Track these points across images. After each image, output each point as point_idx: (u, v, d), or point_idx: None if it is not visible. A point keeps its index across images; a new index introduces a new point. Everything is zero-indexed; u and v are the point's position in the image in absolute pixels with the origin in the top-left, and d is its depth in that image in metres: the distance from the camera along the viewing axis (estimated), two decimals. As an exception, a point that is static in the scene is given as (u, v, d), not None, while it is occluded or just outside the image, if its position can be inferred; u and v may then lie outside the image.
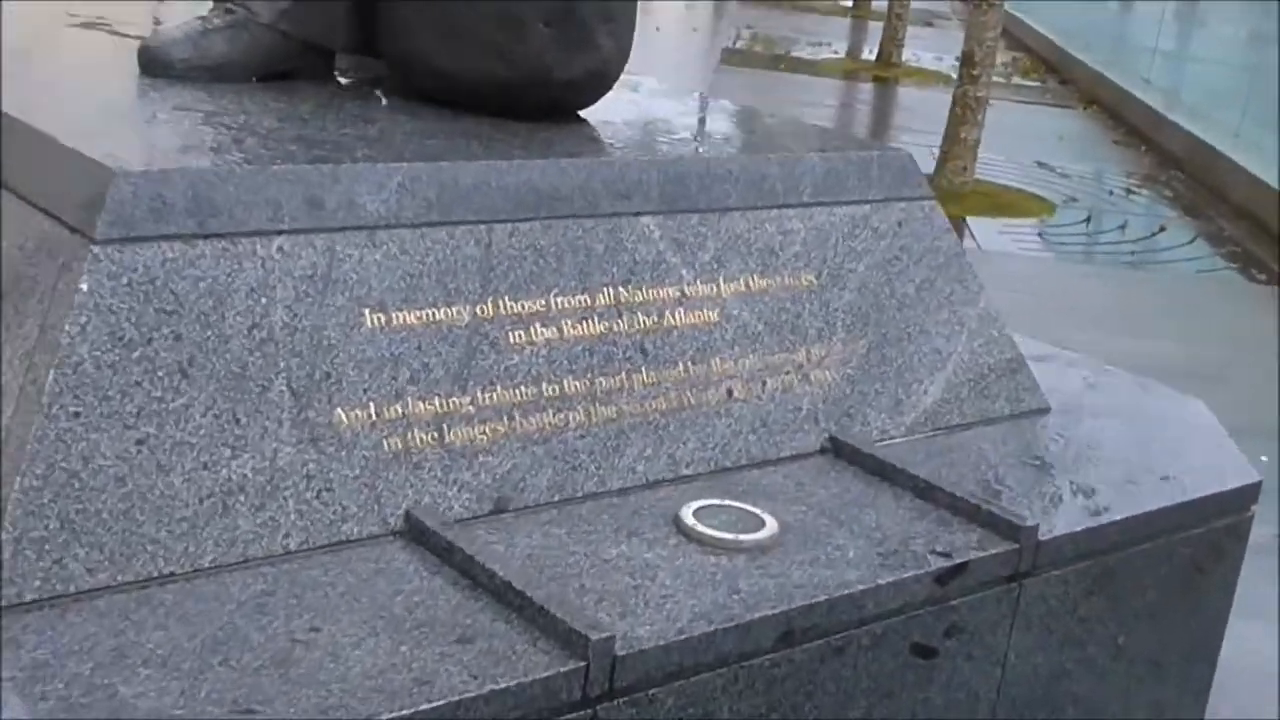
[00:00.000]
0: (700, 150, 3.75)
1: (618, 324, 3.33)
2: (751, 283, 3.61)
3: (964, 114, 11.08)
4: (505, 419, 3.12)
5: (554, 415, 3.19)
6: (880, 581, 2.99)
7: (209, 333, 2.81)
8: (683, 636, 2.70)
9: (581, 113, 3.96)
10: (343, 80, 4.06)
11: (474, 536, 2.94)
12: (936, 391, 3.87)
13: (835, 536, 3.16)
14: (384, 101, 3.76)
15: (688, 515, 3.13)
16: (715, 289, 3.53)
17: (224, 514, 2.76)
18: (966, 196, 10.93)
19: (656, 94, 4.65)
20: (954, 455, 3.70)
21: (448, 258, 3.12)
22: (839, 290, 3.76)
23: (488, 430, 3.08)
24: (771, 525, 3.13)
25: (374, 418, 2.95)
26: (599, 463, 3.23)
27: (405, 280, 3.05)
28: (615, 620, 2.72)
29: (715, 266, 3.54)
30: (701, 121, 4.33)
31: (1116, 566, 3.54)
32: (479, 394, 3.09)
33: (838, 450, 3.59)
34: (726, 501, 3.22)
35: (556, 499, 3.14)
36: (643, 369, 3.35)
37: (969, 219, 10.22)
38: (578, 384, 3.24)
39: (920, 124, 13.06)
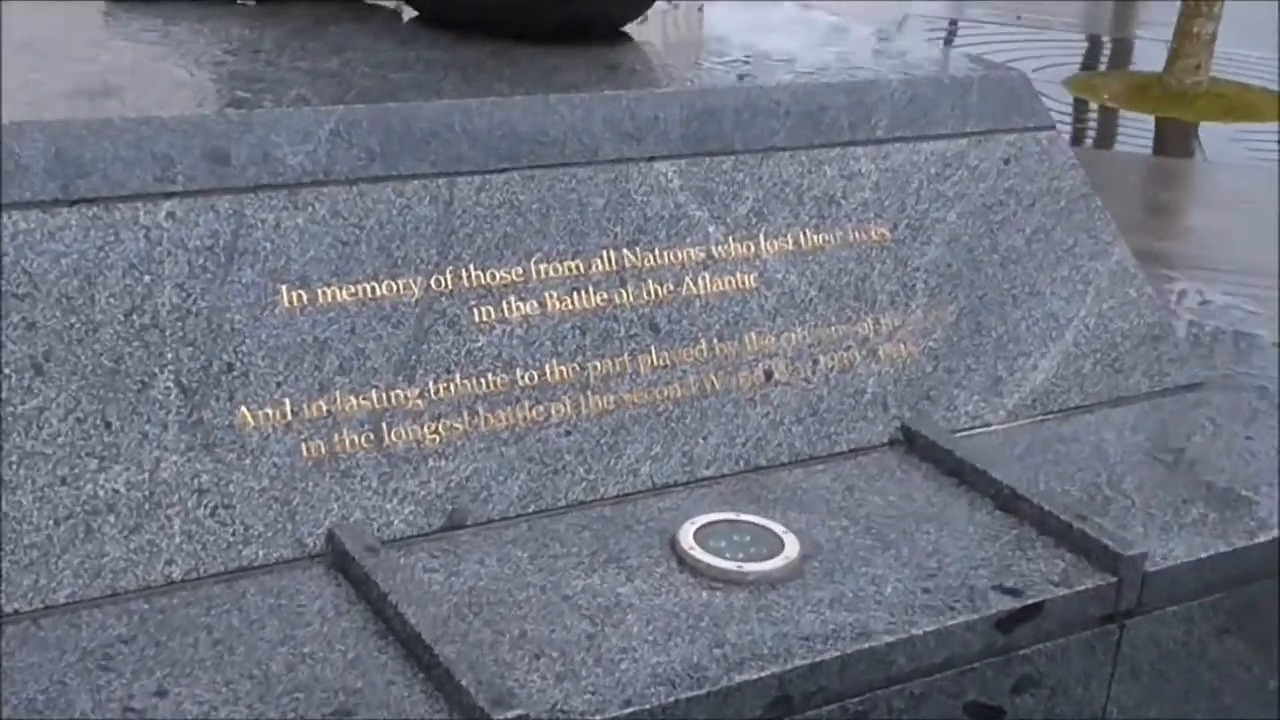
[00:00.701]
0: (742, 78, 3.08)
1: (620, 295, 2.72)
2: (802, 239, 2.96)
3: (1197, 4, 9.89)
4: (465, 414, 2.55)
5: (531, 408, 2.61)
6: (916, 630, 2.34)
7: (73, 320, 2.31)
8: (629, 710, 2.10)
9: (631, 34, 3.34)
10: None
11: (406, 564, 2.39)
12: (1050, 366, 3.16)
13: (874, 564, 2.51)
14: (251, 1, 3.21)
15: (686, 535, 2.52)
16: (753, 248, 2.89)
17: (86, 538, 2.26)
18: (1198, 99, 9.70)
19: (738, 5, 3.97)
20: (1062, 449, 3.00)
21: (394, 220, 2.56)
22: (921, 245, 3.08)
23: (441, 429, 2.52)
24: (791, 549, 2.50)
25: (289, 417, 2.42)
26: (589, 465, 2.64)
27: (336, 249, 2.50)
28: (546, 686, 2.14)
29: (753, 220, 2.90)
30: (770, 36, 3.65)
31: (1261, 598, 2.80)
32: (430, 385, 2.53)
33: (910, 442, 2.92)
34: (742, 516, 2.60)
35: (530, 510, 2.57)
36: (652, 349, 2.74)
37: (1200, 125, 9.09)
38: (564, 369, 2.65)
39: (1165, 15, 11.69)
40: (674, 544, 2.52)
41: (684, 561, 2.48)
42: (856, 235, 3.03)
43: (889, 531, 2.62)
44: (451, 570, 2.42)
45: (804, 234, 2.97)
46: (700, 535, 2.54)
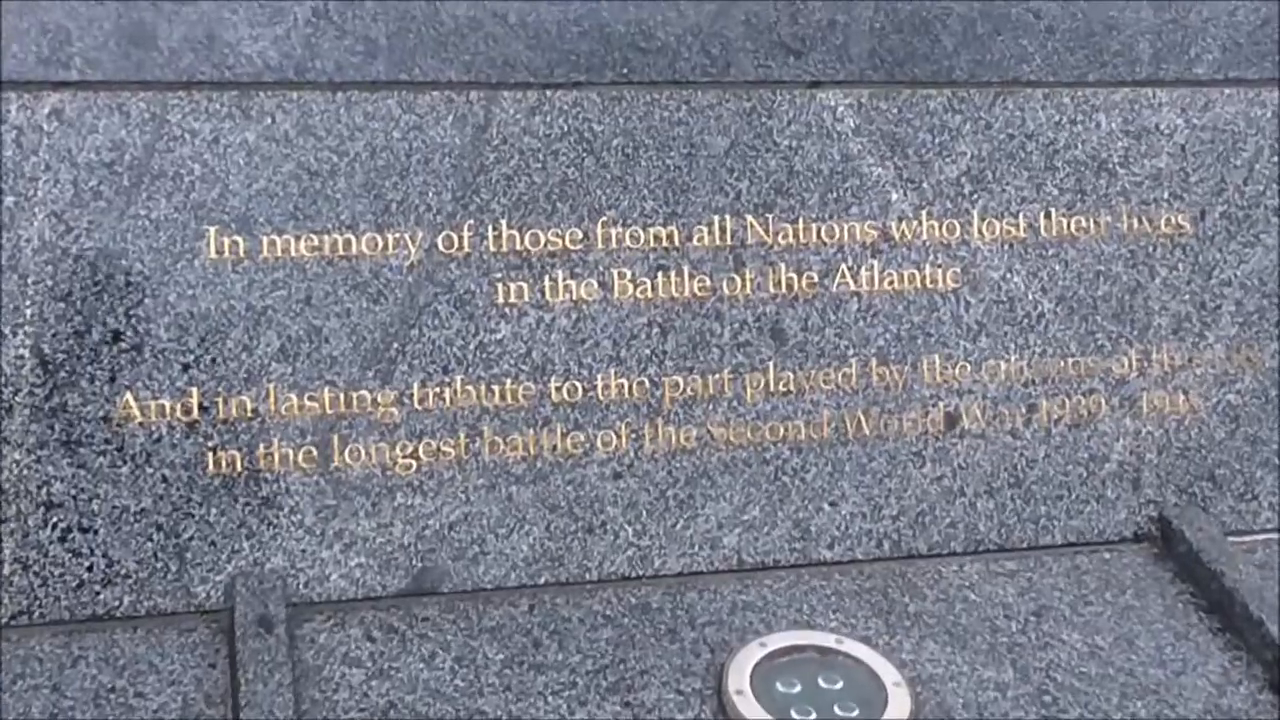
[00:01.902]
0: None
1: (731, 282, 1.85)
2: (1043, 222, 1.99)
3: None
4: (463, 434, 1.77)
5: (566, 435, 1.80)
6: None
7: (-101, 247, 1.65)
8: None
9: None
10: None
11: (323, 645, 1.66)
12: None
13: (1021, 761, 1.58)
14: None
15: (743, 668, 1.67)
16: (958, 229, 1.95)
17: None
18: None
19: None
20: None
21: (394, 146, 1.77)
22: (1239, 248, 2.06)
23: (422, 451, 1.75)
24: (897, 710, 1.61)
25: (195, 414, 1.70)
26: (643, 524, 1.82)
27: (299, 181, 1.74)
28: None
29: (965, 188, 1.95)
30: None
31: None
32: (415, 387, 1.76)
33: (1167, 545, 1.94)
34: (845, 644, 1.72)
35: (541, 581, 1.78)
36: (770, 365, 1.86)
37: None
38: (625, 383, 1.82)
39: None
40: (721, 679, 1.66)
41: (725, 713, 1.62)
42: (1135, 224, 2.03)
43: (1090, 700, 1.67)
44: (381, 670, 1.65)
45: (1047, 215, 1.99)
46: (765, 670, 1.68)
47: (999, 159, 2.01)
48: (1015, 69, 2.03)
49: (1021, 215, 2.01)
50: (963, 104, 2.00)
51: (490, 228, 1.83)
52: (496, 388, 1.83)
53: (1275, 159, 2.13)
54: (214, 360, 1.74)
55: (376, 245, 1.79)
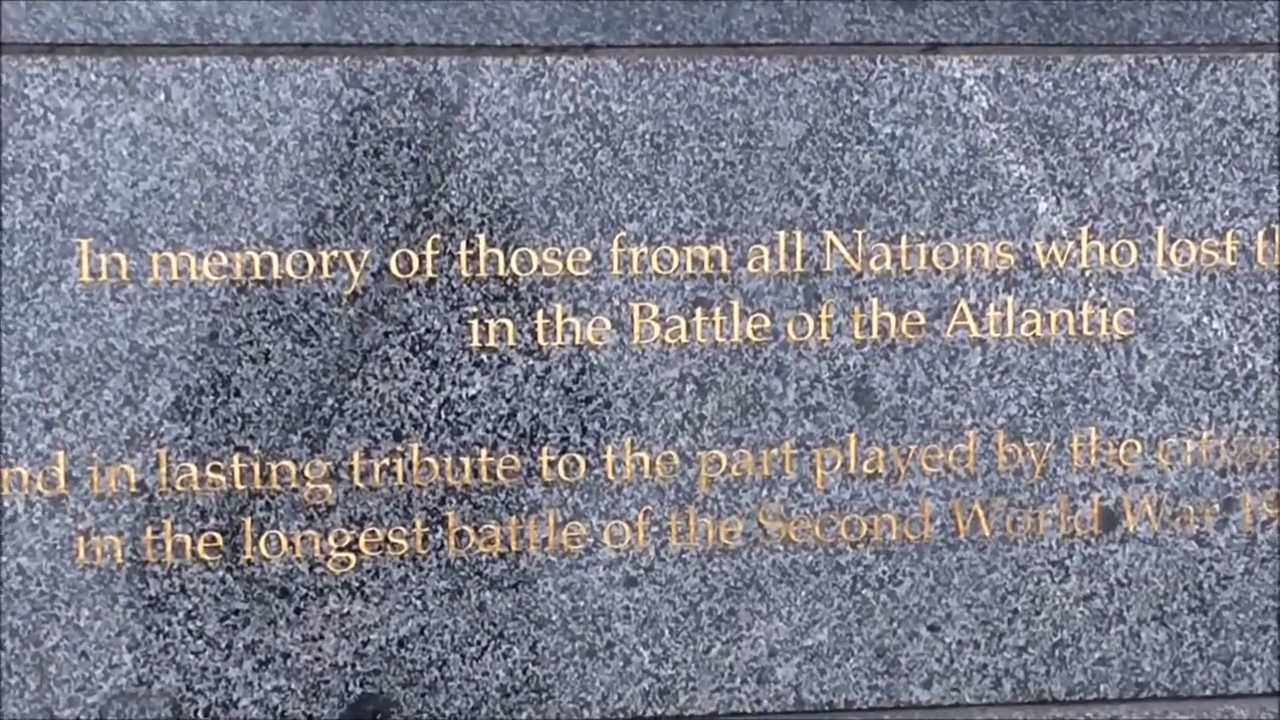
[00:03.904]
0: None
1: (801, 322, 1.35)
2: (1266, 244, 1.42)
3: None
4: (419, 520, 1.33)
5: (561, 525, 1.34)
6: None
7: None
8: None
9: None
10: None
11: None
12: None
13: None
14: None
15: None
16: (1133, 253, 1.39)
17: None
18: None
19: None
20: None
21: (333, 131, 1.32)
22: None
23: (364, 544, 1.32)
24: None
25: (60, 486, 1.30)
26: (664, 648, 1.36)
27: (202, 180, 1.31)
28: None
29: (1147, 196, 1.40)
30: None
31: None
32: (355, 457, 1.33)
33: None
34: None
35: (524, 719, 1.34)
36: (850, 436, 1.36)
37: None
38: (645, 458, 1.35)
39: None
40: None
41: None
42: (1400, 245, 1.43)
43: None
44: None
45: (1269, 235, 1.41)
46: None
47: (1201, 155, 1.42)
48: (1233, 26, 1.43)
49: (1230, 235, 1.43)
50: (1151, 76, 1.42)
51: (463, 245, 1.35)
52: (467, 460, 1.36)
53: None
54: (86, 417, 1.32)
55: (306, 267, 1.34)
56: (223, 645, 1.36)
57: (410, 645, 1.38)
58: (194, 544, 1.35)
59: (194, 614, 1.35)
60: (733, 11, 1.38)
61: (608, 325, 1.38)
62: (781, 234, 1.39)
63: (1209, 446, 1.44)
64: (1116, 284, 1.43)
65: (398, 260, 1.35)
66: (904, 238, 1.40)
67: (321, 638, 1.37)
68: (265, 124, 1.34)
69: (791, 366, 1.40)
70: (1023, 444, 1.43)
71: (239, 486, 1.35)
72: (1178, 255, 1.43)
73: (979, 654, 1.43)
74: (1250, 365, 1.44)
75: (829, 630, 1.42)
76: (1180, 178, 1.43)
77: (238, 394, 1.34)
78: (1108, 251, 1.42)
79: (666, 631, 1.40)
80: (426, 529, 1.37)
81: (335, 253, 1.34)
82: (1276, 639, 1.46)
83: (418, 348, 1.36)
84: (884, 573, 1.42)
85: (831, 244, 1.39)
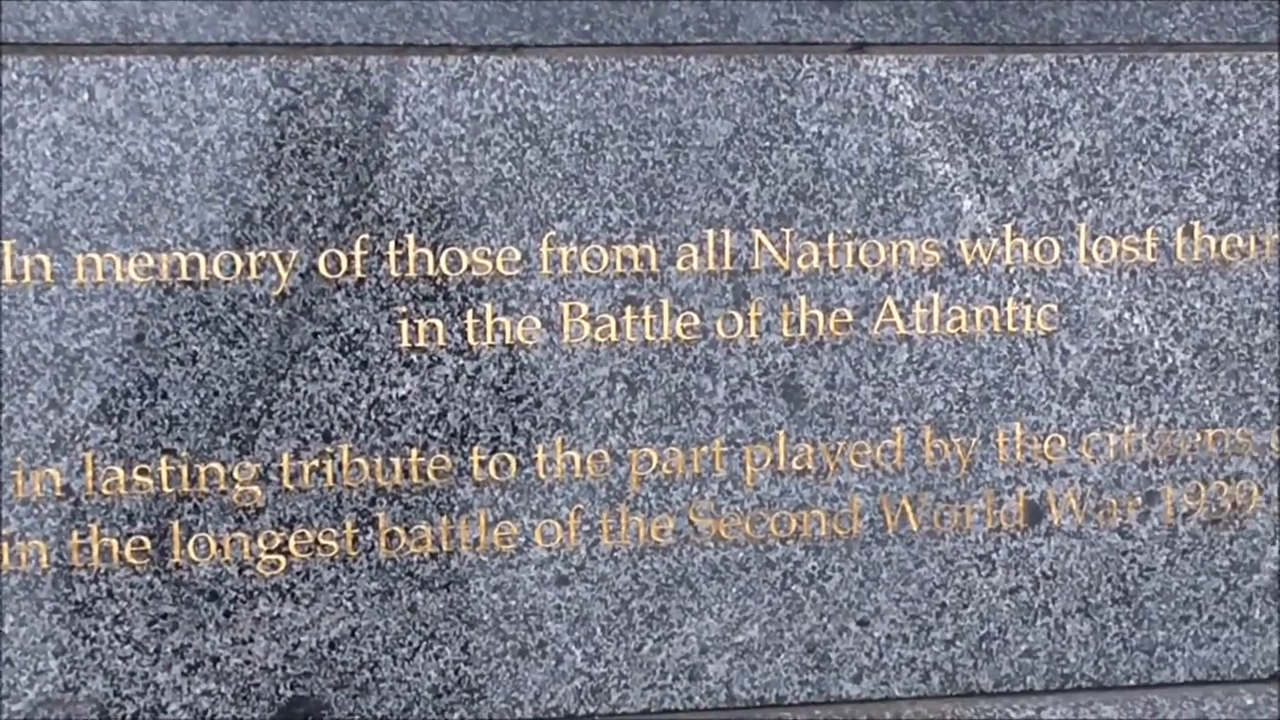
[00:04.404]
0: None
1: (730, 320, 1.35)
2: (1185, 241, 1.43)
3: None
4: (349, 521, 1.33)
5: (493, 525, 1.34)
6: None
7: None
8: None
9: None
10: None
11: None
12: None
13: None
14: None
15: None
16: (1055, 249, 1.41)
17: None
18: None
19: None
20: None
21: (259, 130, 1.31)
22: None
23: (294, 545, 1.32)
24: None
25: (-17, 491, 1.28)
26: (596, 646, 1.35)
27: (126, 179, 1.29)
28: None
29: (1070, 193, 1.43)
30: None
31: None
32: (284, 458, 1.32)
33: (1339, 690, 1.41)
34: None
35: (457, 719, 1.34)
36: (779, 433, 1.37)
37: None
38: (576, 456, 1.34)
39: None
40: None
41: None
42: (1316, 241, 1.46)
43: None
44: None
45: (1188, 232, 1.44)
46: None
47: (1121, 153, 1.45)
48: (1152, 25, 1.46)
49: (1150, 232, 1.46)
50: (1072, 75, 1.44)
51: (392, 245, 1.35)
52: (397, 461, 1.36)
53: None
54: (10, 420, 1.31)
55: (234, 268, 1.33)
56: (151, 650, 1.35)
57: (341, 647, 1.37)
58: (121, 548, 1.33)
59: (121, 619, 1.34)
60: (660, 11, 1.38)
61: (538, 324, 1.38)
62: (710, 232, 1.40)
63: (1131, 440, 1.47)
64: (1040, 281, 1.45)
65: (326, 260, 1.35)
66: (831, 236, 1.41)
67: (251, 640, 1.36)
68: (191, 124, 1.32)
69: (721, 364, 1.41)
70: (949, 439, 1.44)
71: (167, 489, 1.34)
72: (1099, 252, 1.45)
73: (908, 648, 1.45)
74: (1171, 360, 1.47)
75: (759, 626, 1.43)
76: (1101, 175, 1.45)
77: (165, 396, 1.33)
78: (1031, 249, 1.44)
79: (598, 630, 1.41)
80: (357, 530, 1.36)
81: (263, 253, 1.34)
82: (1197, 629, 1.49)
83: (347, 348, 1.35)
84: (813, 568, 1.43)
85: (760, 242, 1.40)
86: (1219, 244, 1.47)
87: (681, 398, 1.40)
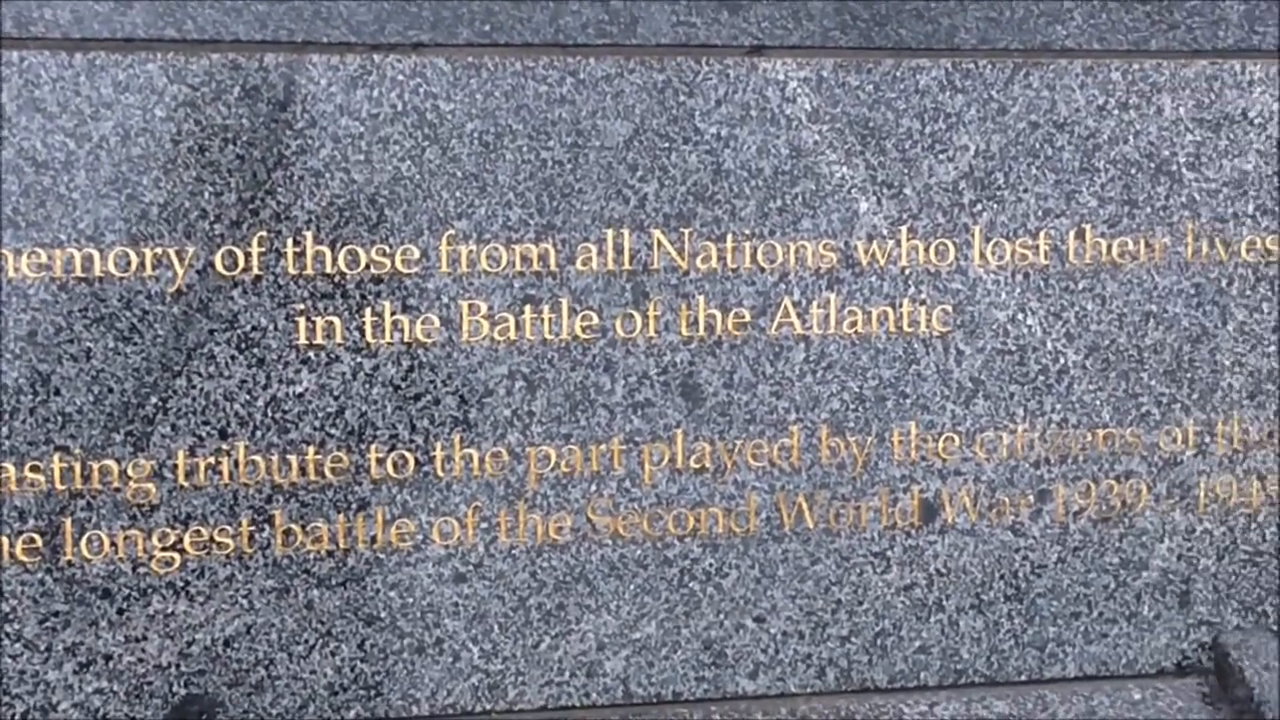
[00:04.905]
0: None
1: (630, 320, 1.36)
2: (1072, 245, 1.46)
3: None
4: (245, 520, 1.32)
5: (390, 523, 1.33)
6: None
7: None
8: None
9: None
10: None
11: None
12: None
13: None
14: None
15: None
16: (951, 252, 1.43)
17: None
18: None
19: None
20: None
21: (157, 128, 1.30)
22: (1349, 279, 1.51)
23: (189, 543, 1.33)
24: None
25: None
26: (493, 643, 1.36)
27: (18, 177, 1.30)
28: None
29: (965, 196, 1.44)
30: None
31: None
32: (180, 455, 1.31)
33: (1222, 681, 1.42)
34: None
35: (353, 716, 1.31)
36: (677, 432, 1.38)
37: None
38: (474, 454, 1.34)
39: None
40: None
41: None
42: (1204, 247, 1.49)
43: None
44: None
45: (1079, 234, 1.46)
46: None
47: (1015, 157, 1.47)
48: (1045, 32, 1.48)
49: (1043, 234, 1.48)
50: (967, 80, 1.46)
51: (290, 242, 1.35)
52: (294, 458, 1.36)
53: None
54: (-98, 415, 1.30)
55: (129, 264, 1.33)
56: (42, 648, 1.33)
57: (236, 645, 1.37)
58: (12, 545, 1.32)
59: (11, 616, 1.33)
60: (560, 12, 1.39)
61: (436, 323, 1.38)
62: (609, 232, 1.41)
63: (1024, 439, 1.49)
64: (935, 282, 1.47)
65: (223, 258, 1.34)
66: (729, 236, 1.43)
67: (145, 639, 1.35)
68: (86, 120, 1.32)
69: (620, 363, 1.41)
70: (845, 438, 1.46)
71: (59, 486, 1.33)
72: (993, 254, 1.47)
73: (803, 644, 1.47)
74: (1063, 360, 1.49)
75: (657, 623, 1.44)
76: (996, 179, 1.47)
77: (58, 393, 1.32)
78: (927, 250, 1.46)
79: (495, 627, 1.41)
80: (253, 528, 1.36)
81: (159, 250, 1.33)
82: (1088, 625, 1.51)
83: (244, 345, 1.35)
84: (711, 565, 1.44)
85: (659, 242, 1.41)
86: (1110, 247, 1.50)
87: (580, 396, 1.41)
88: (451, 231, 1.38)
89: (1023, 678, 1.51)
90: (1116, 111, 1.49)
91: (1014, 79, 1.47)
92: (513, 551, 1.41)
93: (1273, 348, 1.53)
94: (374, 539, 1.38)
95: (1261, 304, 1.52)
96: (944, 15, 1.46)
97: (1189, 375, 1.51)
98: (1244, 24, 1.52)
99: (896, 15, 1.45)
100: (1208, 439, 1.52)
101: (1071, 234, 1.49)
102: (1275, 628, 1.54)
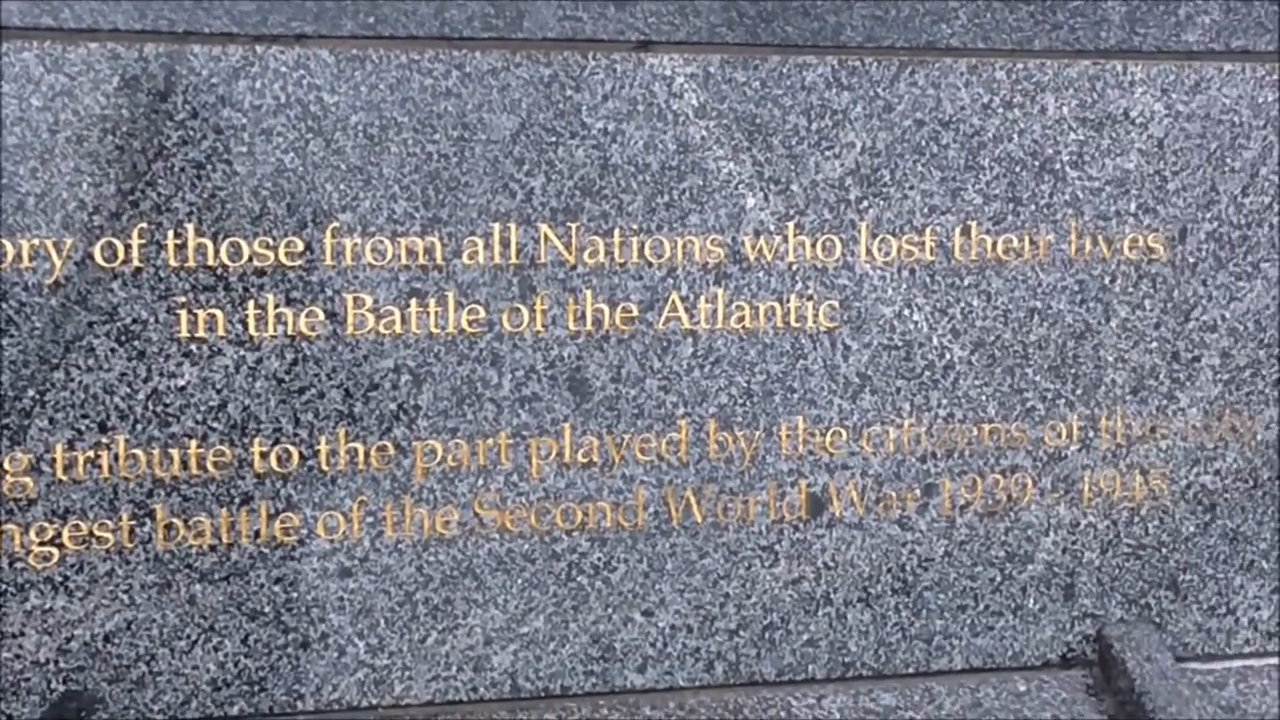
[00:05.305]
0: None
1: (517, 313, 1.36)
2: (958, 242, 1.47)
3: None
4: (125, 514, 1.31)
5: (275, 517, 1.33)
6: None
7: None
8: None
9: None
10: None
11: None
12: None
13: None
14: None
15: None
16: (837, 247, 1.44)
17: None
18: None
19: None
20: None
21: (32, 119, 1.32)
22: (1231, 279, 1.51)
23: (68, 538, 1.30)
24: None
25: None
26: (379, 637, 1.34)
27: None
28: None
29: (851, 193, 1.45)
30: None
31: None
32: (58, 449, 1.30)
33: (1106, 670, 1.44)
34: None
35: (237, 712, 1.31)
36: (565, 426, 1.37)
37: None
38: (360, 448, 1.33)
39: None
40: None
41: None
42: (1087, 245, 1.51)
43: None
44: (-39, 847, 1.19)
45: (965, 231, 1.48)
46: None
47: (901, 154, 1.48)
48: (930, 31, 1.49)
49: (929, 231, 1.49)
50: (854, 77, 1.47)
51: (171, 234, 1.34)
52: (176, 452, 1.34)
53: (1287, 159, 1.59)
54: None
55: (5, 255, 1.31)
56: (-84, 644, 1.32)
57: (116, 640, 1.35)
58: (-115, 540, 1.31)
59: (-115, 613, 1.31)
60: (446, 5, 1.39)
61: (321, 316, 1.37)
62: (496, 226, 1.40)
63: (910, 434, 1.50)
64: (822, 278, 1.48)
65: (102, 249, 1.33)
66: (617, 231, 1.43)
67: (22, 634, 1.33)
68: (-44, 108, 1.30)
69: (507, 357, 1.41)
70: (733, 432, 1.46)
71: (-66, 480, 1.31)
72: (880, 250, 1.49)
73: (692, 638, 1.47)
74: (949, 356, 1.51)
75: (545, 617, 1.44)
76: (882, 176, 1.48)
77: (-68, 385, 1.31)
78: (813, 246, 1.47)
79: (382, 621, 1.40)
80: (134, 522, 1.35)
81: (36, 241, 1.31)
82: (974, 618, 1.53)
83: (124, 338, 1.34)
84: (599, 560, 1.44)
85: (546, 236, 1.41)
86: (995, 244, 1.51)
87: (467, 390, 1.40)
88: (336, 224, 1.37)
89: (910, 670, 1.52)
90: (1001, 110, 1.51)
91: (900, 77, 1.49)
92: (399, 546, 1.40)
93: (1154, 344, 1.55)
94: (258, 533, 1.37)
95: (1143, 301, 1.54)
96: (830, 13, 1.47)
97: (1073, 371, 1.53)
98: (1125, 25, 1.55)
99: (783, 12, 1.46)
100: (1091, 434, 1.54)
101: (957, 231, 1.50)
102: (1157, 620, 1.56)
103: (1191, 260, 1.56)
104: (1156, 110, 1.55)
